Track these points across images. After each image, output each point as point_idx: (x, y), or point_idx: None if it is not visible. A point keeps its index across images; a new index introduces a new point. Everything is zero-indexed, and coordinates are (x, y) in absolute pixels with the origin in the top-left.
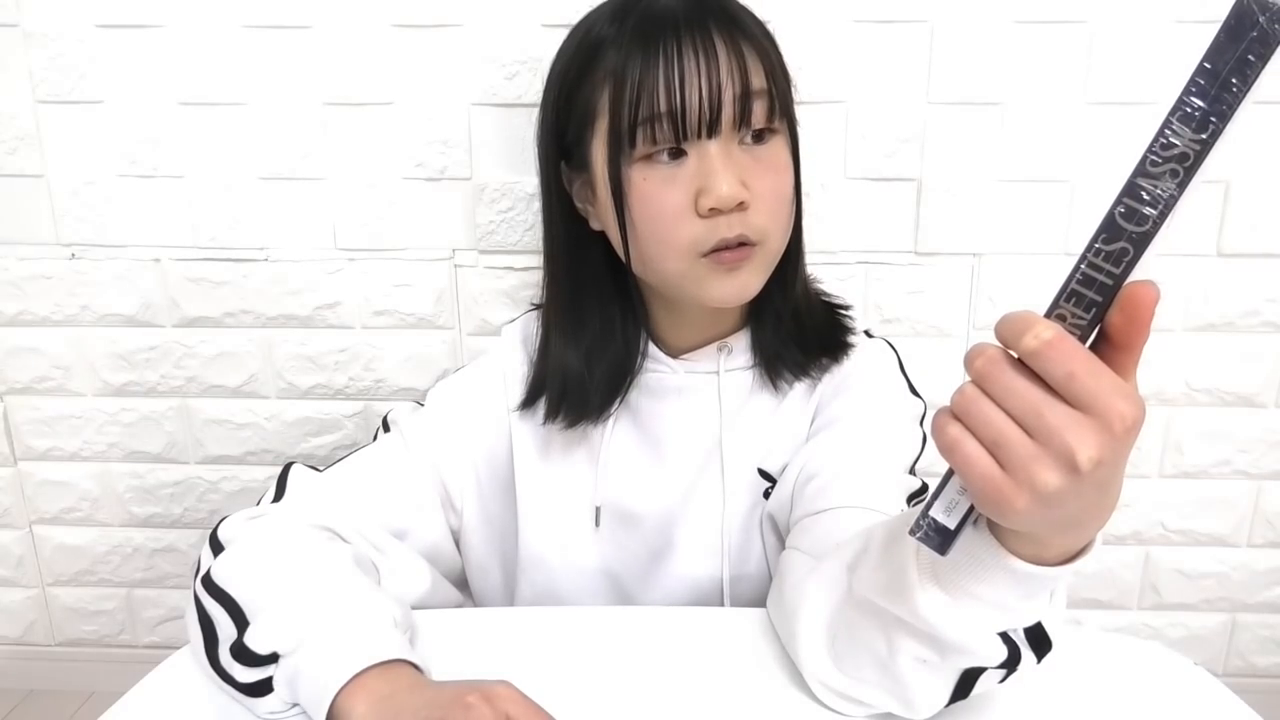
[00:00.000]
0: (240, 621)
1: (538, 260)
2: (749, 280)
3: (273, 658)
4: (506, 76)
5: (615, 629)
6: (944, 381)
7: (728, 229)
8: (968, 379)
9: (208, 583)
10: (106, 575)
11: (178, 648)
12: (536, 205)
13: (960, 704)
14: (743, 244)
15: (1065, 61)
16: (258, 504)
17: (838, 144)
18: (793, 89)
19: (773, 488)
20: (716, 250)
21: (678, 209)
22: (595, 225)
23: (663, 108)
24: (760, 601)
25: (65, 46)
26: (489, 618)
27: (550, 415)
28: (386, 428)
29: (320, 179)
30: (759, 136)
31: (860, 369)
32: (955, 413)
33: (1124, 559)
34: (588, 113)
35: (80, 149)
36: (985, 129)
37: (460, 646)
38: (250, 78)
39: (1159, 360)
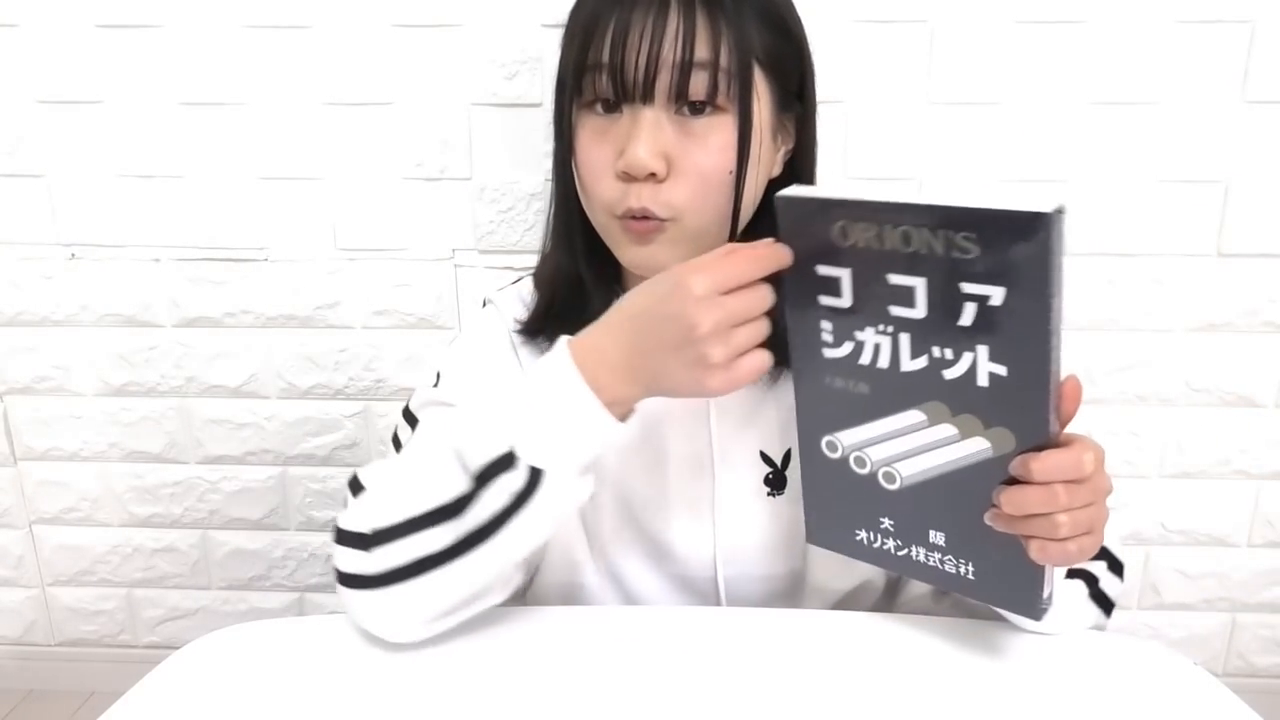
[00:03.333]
0: (444, 512)
1: (537, 260)
2: (658, 253)
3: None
4: (506, 76)
5: (616, 628)
6: None
7: (635, 199)
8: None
9: (381, 538)
10: (106, 575)
11: (177, 647)
12: (537, 205)
13: (965, 699)
14: (646, 217)
15: (1065, 61)
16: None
17: (838, 144)
18: (799, 80)
19: (774, 473)
20: (625, 216)
21: (602, 164)
22: None
23: (605, 59)
24: (755, 568)
25: (65, 46)
26: (489, 618)
27: (550, 325)
28: (412, 420)
29: (320, 179)
30: (696, 109)
31: None
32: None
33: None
34: (566, 58)
35: (80, 149)
36: (985, 129)
37: (461, 647)
38: (250, 78)
39: (1159, 360)
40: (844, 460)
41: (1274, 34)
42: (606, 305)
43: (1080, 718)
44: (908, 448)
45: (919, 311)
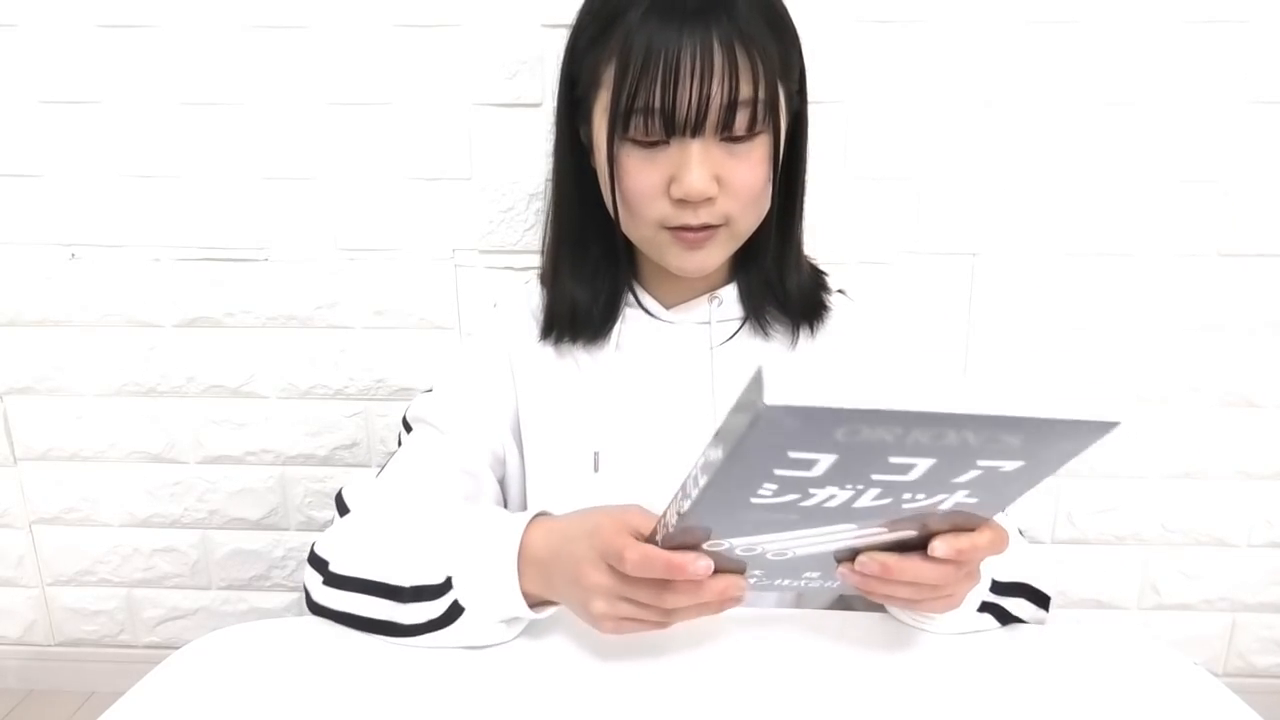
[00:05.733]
0: (389, 591)
1: (538, 260)
2: (709, 256)
3: (447, 583)
4: (507, 76)
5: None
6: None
7: (693, 216)
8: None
9: (333, 581)
10: (106, 575)
11: (177, 647)
12: (537, 205)
13: (966, 699)
14: (706, 227)
15: (1064, 61)
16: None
17: (838, 144)
18: (799, 76)
19: None
20: (680, 229)
21: (653, 188)
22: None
23: (656, 104)
24: None
25: (65, 46)
26: None
27: (560, 336)
28: (409, 427)
29: (320, 179)
30: (738, 138)
31: (863, 332)
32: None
33: (1124, 559)
34: (595, 78)
35: (80, 149)
36: (984, 129)
37: (462, 646)
38: (250, 78)
39: (1160, 360)
40: (730, 548)
41: (1276, 34)
42: (615, 304)
43: (1081, 717)
44: (813, 540)
45: (910, 477)
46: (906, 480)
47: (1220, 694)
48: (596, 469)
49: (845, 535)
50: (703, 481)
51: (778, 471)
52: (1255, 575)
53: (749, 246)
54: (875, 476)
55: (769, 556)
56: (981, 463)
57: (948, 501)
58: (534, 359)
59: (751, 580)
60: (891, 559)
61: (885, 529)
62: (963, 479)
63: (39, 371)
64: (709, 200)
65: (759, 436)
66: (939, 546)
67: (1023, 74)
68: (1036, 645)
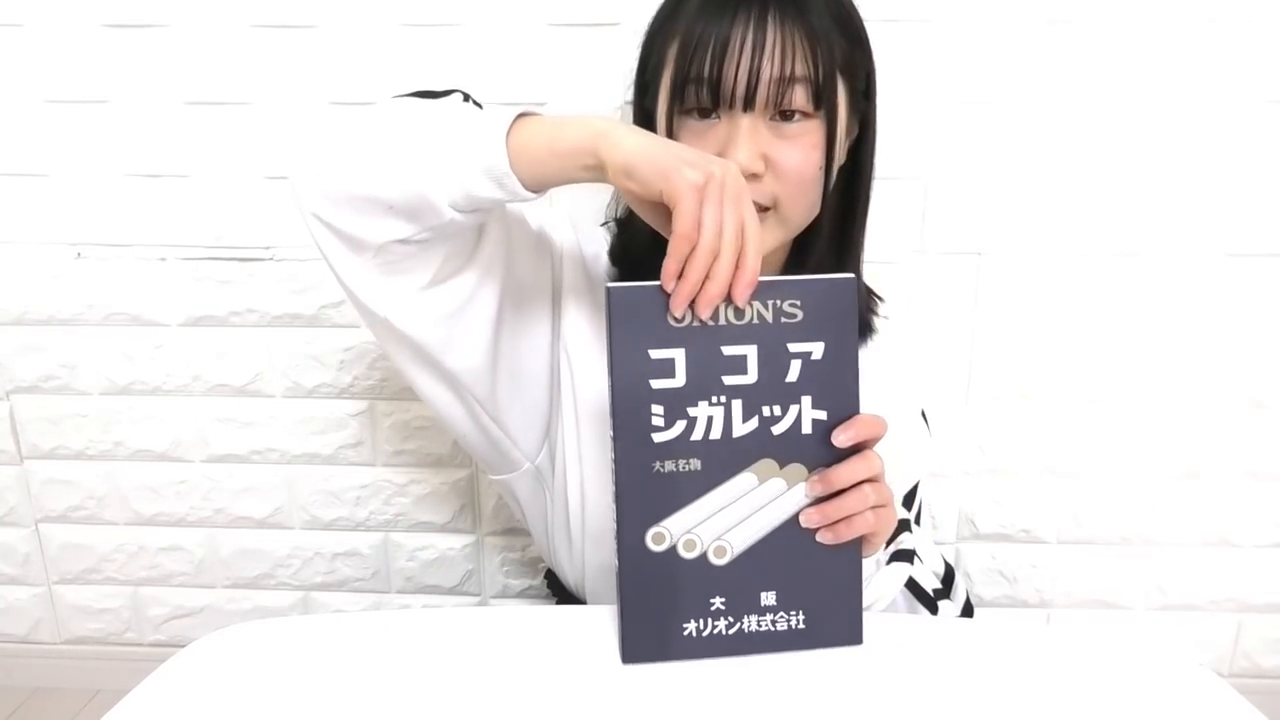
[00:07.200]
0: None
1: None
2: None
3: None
4: (511, 75)
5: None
6: (946, 382)
7: None
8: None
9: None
10: (112, 573)
11: (183, 645)
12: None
13: (969, 698)
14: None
15: (1072, 61)
16: None
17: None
18: (865, 79)
19: None
20: None
21: None
22: None
23: (705, 74)
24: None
25: (71, 46)
26: (491, 617)
27: (628, 261)
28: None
29: None
30: (788, 115)
31: (885, 369)
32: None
33: (1130, 559)
34: (661, 58)
35: (86, 148)
36: (991, 128)
37: (466, 644)
38: (256, 77)
39: (1166, 360)
40: (671, 550)
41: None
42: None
43: (1086, 718)
44: (738, 516)
45: (750, 377)
46: (752, 384)
47: (1226, 695)
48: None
49: (764, 502)
50: (613, 443)
51: (654, 384)
52: (1262, 576)
53: (802, 247)
54: (726, 380)
55: (716, 560)
56: (793, 348)
57: (804, 417)
58: (581, 280)
59: (718, 606)
60: (829, 471)
61: (786, 485)
62: (794, 377)
63: (45, 370)
64: (756, 178)
65: (618, 330)
66: (839, 436)
67: (1030, 73)
68: (1042, 645)
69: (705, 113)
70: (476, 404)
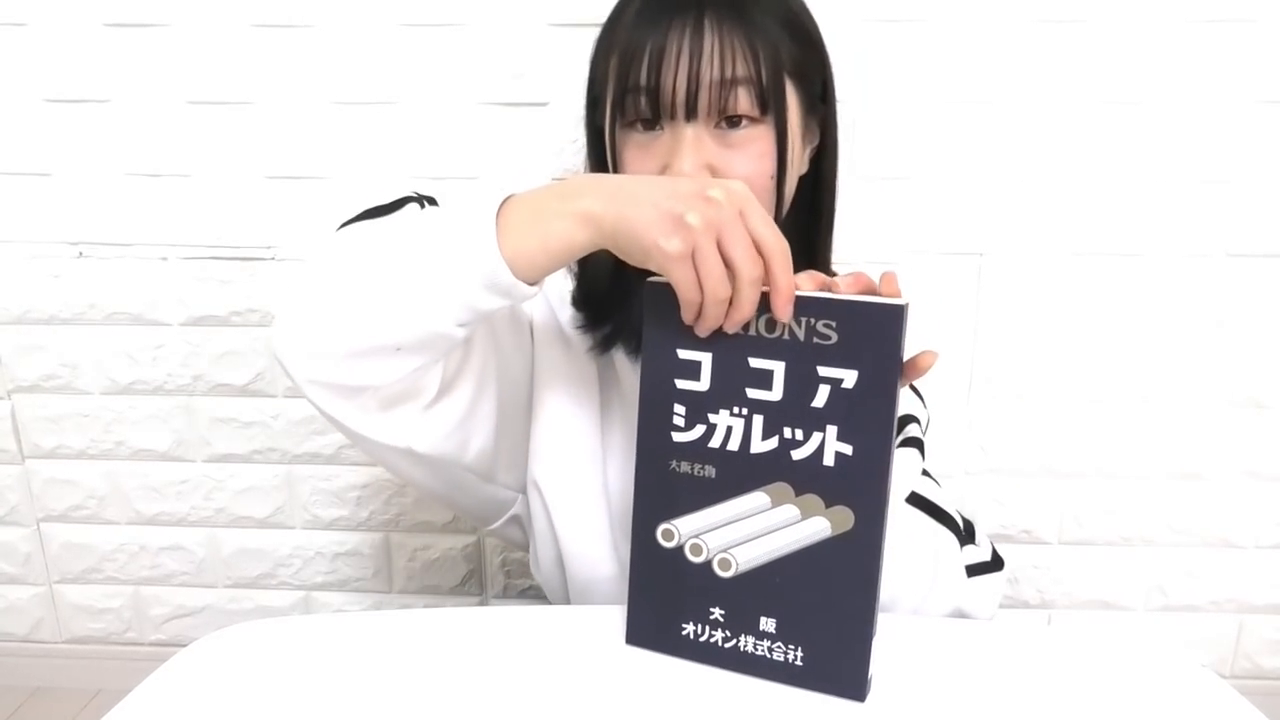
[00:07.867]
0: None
1: None
2: None
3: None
4: (513, 76)
5: (619, 627)
6: (948, 382)
7: None
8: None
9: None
10: (113, 573)
11: (184, 645)
12: None
13: (970, 699)
14: None
15: (1072, 60)
16: None
17: (844, 144)
18: (821, 83)
19: None
20: None
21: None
22: None
23: (643, 82)
24: None
25: (73, 45)
26: (492, 617)
27: (592, 311)
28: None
29: (327, 178)
30: (734, 122)
31: None
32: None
33: (1131, 560)
34: (604, 73)
35: (88, 147)
36: (991, 128)
37: (466, 644)
38: (257, 77)
39: (1167, 360)
40: (679, 549)
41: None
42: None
43: (1087, 719)
44: (746, 533)
45: (775, 394)
46: (775, 401)
47: (1227, 696)
48: (605, 462)
49: (774, 525)
50: (638, 432)
51: (679, 383)
52: (1262, 577)
53: None
54: (750, 393)
55: (720, 571)
56: (822, 372)
57: (826, 448)
58: (551, 326)
59: (716, 616)
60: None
61: (800, 515)
62: (820, 402)
63: (46, 369)
64: None
65: (650, 326)
66: (804, 281)
67: (1030, 73)
68: (1043, 646)
69: (649, 124)
70: (473, 476)
